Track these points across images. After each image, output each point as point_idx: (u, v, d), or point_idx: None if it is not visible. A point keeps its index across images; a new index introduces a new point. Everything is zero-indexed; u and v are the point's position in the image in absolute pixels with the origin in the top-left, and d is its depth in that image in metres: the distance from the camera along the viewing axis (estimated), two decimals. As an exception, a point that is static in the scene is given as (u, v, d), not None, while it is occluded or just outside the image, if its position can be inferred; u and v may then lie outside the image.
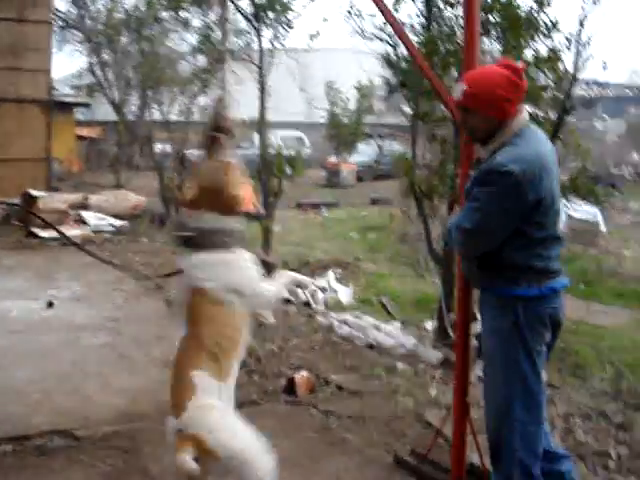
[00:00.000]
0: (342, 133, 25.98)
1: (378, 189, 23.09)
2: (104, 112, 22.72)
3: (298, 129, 30.82)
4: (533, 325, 3.25)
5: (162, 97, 14.27)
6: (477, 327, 5.75)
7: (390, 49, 7.24)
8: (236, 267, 3.13)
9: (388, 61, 7.06)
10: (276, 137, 25.81)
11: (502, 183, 3.09)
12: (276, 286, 3.27)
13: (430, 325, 7.68)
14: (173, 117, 14.10)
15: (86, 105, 23.42)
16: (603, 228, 13.66)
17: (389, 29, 7.41)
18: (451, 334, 6.31)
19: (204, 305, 3.09)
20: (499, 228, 3.18)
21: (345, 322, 7.35)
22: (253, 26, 9.82)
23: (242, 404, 4.92)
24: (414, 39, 7.00)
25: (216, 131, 3.17)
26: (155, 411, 4.83)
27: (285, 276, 3.42)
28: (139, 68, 15.60)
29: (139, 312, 7.32)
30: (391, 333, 7.00)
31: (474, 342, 5.74)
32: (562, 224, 3.41)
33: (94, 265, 9.73)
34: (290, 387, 5.22)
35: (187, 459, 2.83)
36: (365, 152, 28.67)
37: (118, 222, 13.39)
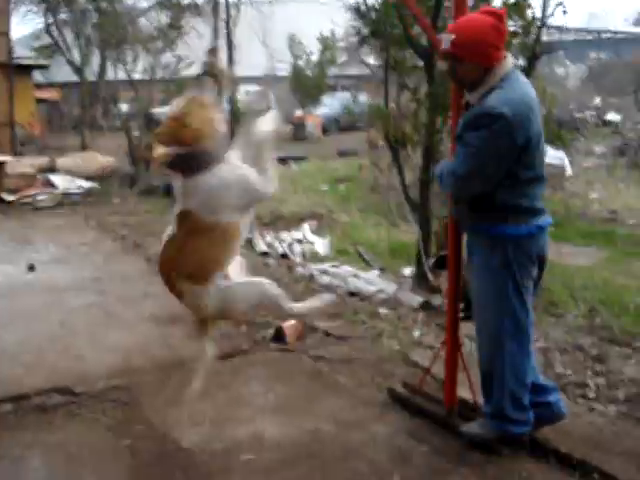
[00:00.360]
0: (306, 86, 25.83)
1: (344, 141, 23.10)
2: (62, 73, 22.31)
3: (261, 83, 30.53)
4: (522, 262, 3.41)
5: (125, 56, 14.03)
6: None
7: (360, -1, 7.21)
8: (228, 185, 3.27)
9: (358, 11, 7.07)
10: (240, 92, 25.62)
11: (494, 125, 3.20)
12: (269, 171, 3.40)
13: (407, 271, 7.83)
14: (137, 76, 13.90)
15: (44, 67, 22.96)
16: (569, 171, 13.92)
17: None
18: (430, 278, 6.47)
19: (194, 227, 3.32)
20: (493, 170, 3.30)
21: (324, 272, 7.48)
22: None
23: (233, 354, 5.11)
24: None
25: (203, 75, 3.27)
26: (149, 365, 4.96)
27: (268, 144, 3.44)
28: (99, 27, 15.31)
29: (121, 271, 7.37)
30: (371, 280, 7.14)
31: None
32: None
33: (69, 227, 9.74)
34: (279, 335, 5.36)
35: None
36: (329, 105, 28.53)
37: (87, 184, 13.31)
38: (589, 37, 36.64)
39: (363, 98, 29.90)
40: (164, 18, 12.15)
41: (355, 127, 27.13)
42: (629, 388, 4.60)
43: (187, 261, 3.35)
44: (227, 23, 10.00)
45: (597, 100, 25.74)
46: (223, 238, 3.36)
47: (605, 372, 4.91)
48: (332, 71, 28.05)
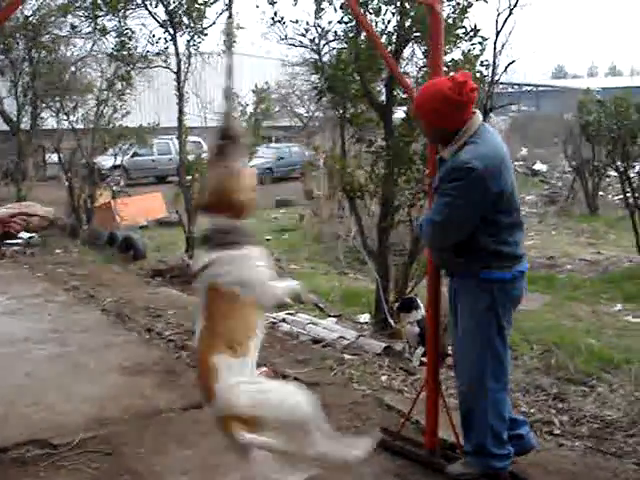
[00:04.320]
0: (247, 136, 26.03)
1: (280, 191, 23.34)
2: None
3: (194, 133, 30.62)
4: (505, 305, 3.65)
5: (65, 105, 13.96)
6: (419, 314, 6.15)
7: (315, 55, 7.49)
8: (247, 263, 3.26)
9: (315, 66, 7.33)
10: (174, 142, 25.63)
11: (467, 178, 3.45)
12: (282, 286, 3.44)
13: (363, 318, 8.01)
14: (78, 125, 13.84)
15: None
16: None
17: (311, 35, 7.71)
18: (392, 323, 6.65)
19: (219, 300, 3.23)
20: (466, 220, 3.55)
21: (283, 320, 7.58)
22: (168, 32, 9.92)
23: (208, 402, 5.13)
24: (339, 46, 7.34)
25: (226, 139, 3.30)
26: (125, 415, 4.94)
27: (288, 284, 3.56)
28: (39, 76, 15.18)
29: (79, 322, 7.29)
30: (330, 327, 7.27)
31: (416, 329, 6.15)
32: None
33: (15, 278, 9.58)
34: (252, 383, 5.41)
35: (244, 435, 3.06)
36: (263, 155, 28.79)
37: (27, 234, 13.07)
38: (511, 90, 38.13)
39: (295, 149, 30.47)
40: (112, 69, 12.21)
41: (289, 177, 27.48)
42: (592, 424, 4.85)
43: (225, 330, 3.24)
44: (177, 74, 10.16)
45: (524, 151, 26.82)
46: (252, 311, 3.32)
47: (567, 409, 5.16)
48: (265, 122, 28.36)
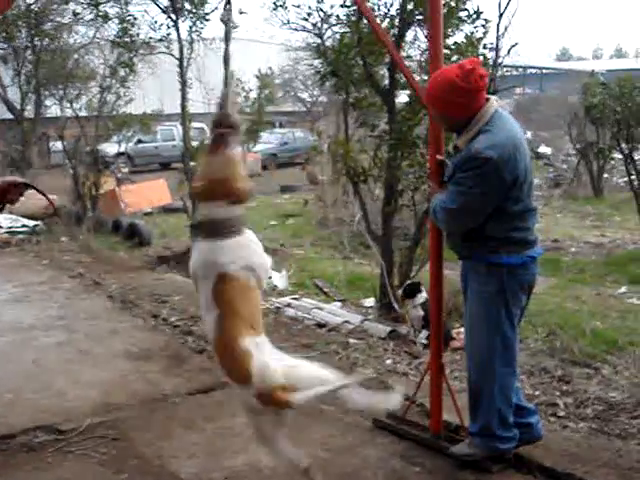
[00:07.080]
0: (245, 123, 25.97)
1: (284, 177, 23.33)
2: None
3: (198, 120, 30.58)
4: (514, 290, 3.66)
5: (68, 93, 13.95)
6: (422, 297, 6.17)
7: (317, 39, 7.48)
8: (253, 248, 3.30)
9: (317, 50, 7.31)
10: (178, 129, 25.56)
11: (482, 168, 3.44)
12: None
13: (367, 302, 8.03)
14: (82, 113, 13.84)
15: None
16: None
17: (314, 19, 7.68)
18: (397, 308, 6.66)
19: (234, 286, 3.20)
20: (481, 207, 3.55)
21: (288, 305, 7.61)
22: (170, 18, 9.89)
23: (214, 387, 5.17)
24: (341, 30, 7.31)
25: (222, 127, 3.28)
26: (132, 401, 4.99)
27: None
28: (39, 64, 15.15)
29: (85, 309, 7.34)
30: (334, 312, 7.30)
31: (420, 312, 6.17)
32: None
33: (22, 266, 9.62)
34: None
35: (295, 398, 3.07)
36: (267, 141, 28.72)
37: (32, 222, 13.10)
38: (515, 72, 37.97)
39: (299, 134, 30.40)
40: (115, 56, 12.20)
41: (293, 163, 27.43)
42: (596, 406, 4.86)
43: (246, 314, 3.22)
44: (180, 61, 10.13)
45: (528, 134, 26.70)
46: (259, 291, 3.35)
47: (572, 392, 5.17)
48: (268, 108, 28.27)
